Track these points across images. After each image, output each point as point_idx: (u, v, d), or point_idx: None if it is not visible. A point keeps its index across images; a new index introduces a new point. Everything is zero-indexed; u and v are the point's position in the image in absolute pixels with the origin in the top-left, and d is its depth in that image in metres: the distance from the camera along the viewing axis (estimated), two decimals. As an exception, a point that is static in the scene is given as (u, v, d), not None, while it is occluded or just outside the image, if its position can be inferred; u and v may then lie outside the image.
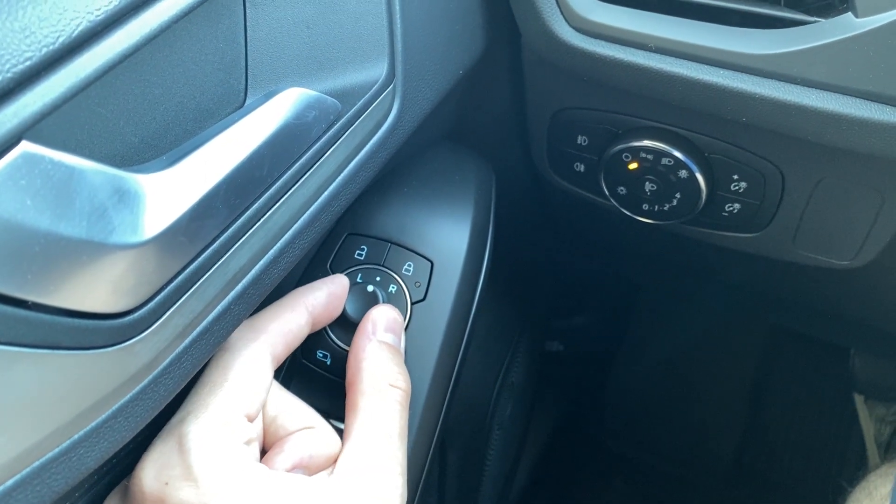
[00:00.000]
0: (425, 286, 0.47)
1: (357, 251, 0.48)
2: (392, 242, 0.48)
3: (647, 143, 0.51)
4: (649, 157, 0.52)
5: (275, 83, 0.35)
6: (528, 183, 0.63)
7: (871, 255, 0.51)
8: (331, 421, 0.42)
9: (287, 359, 0.47)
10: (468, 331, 0.49)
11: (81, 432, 0.27)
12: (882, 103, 0.41)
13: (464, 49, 0.47)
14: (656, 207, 0.54)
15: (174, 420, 0.37)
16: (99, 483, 0.37)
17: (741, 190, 0.52)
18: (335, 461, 0.39)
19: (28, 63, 0.23)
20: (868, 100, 0.41)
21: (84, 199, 0.25)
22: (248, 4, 0.35)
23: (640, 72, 0.46)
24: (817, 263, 0.55)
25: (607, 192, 0.55)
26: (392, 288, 0.47)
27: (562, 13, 0.46)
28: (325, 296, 0.43)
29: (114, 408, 0.28)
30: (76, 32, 0.24)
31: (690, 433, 1.10)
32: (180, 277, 0.29)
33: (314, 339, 0.46)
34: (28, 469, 0.25)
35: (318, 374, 0.46)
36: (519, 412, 0.87)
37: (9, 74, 0.23)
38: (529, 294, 0.90)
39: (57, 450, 0.26)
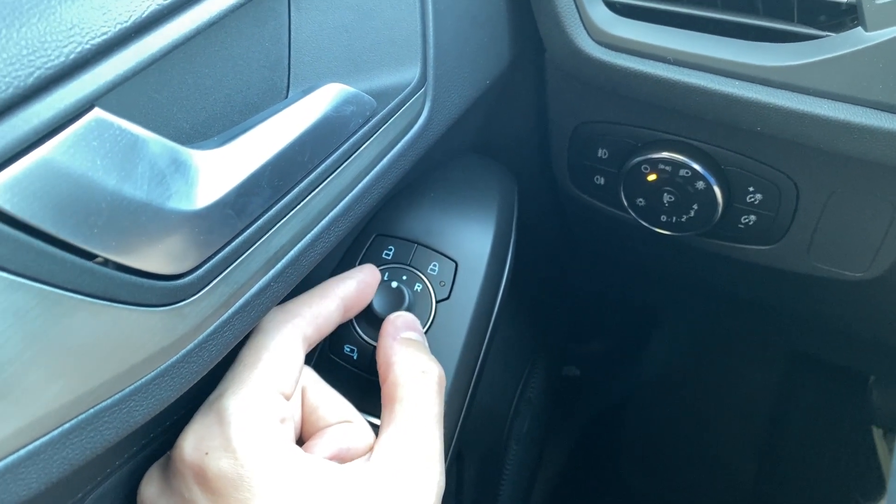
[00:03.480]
0: (449, 286, 0.49)
1: (385, 251, 0.50)
2: (418, 243, 0.50)
3: (665, 154, 0.53)
4: (667, 168, 0.54)
5: (315, 81, 0.38)
6: (549, 196, 0.65)
7: (884, 267, 0.53)
8: (362, 415, 0.44)
9: (315, 353, 0.49)
10: (490, 331, 0.51)
11: (132, 386, 0.28)
12: (891, 113, 0.42)
13: (491, 60, 0.50)
14: (674, 219, 0.56)
15: (213, 396, 0.38)
16: (140, 454, 0.39)
17: (757, 202, 0.53)
18: (371, 449, 0.40)
19: (104, 37, 0.26)
20: (878, 109, 0.43)
21: (146, 164, 0.27)
22: (292, 8, 0.38)
23: (659, 83, 0.48)
24: (832, 275, 0.56)
25: (626, 204, 0.57)
26: (418, 286, 0.49)
27: (585, 27, 0.49)
28: (356, 284, 0.45)
29: (162, 366, 0.29)
30: (146, 13, 0.27)
31: (706, 463, 1.10)
32: (227, 249, 0.31)
33: (341, 334, 0.48)
34: (84, 415, 0.27)
35: (345, 369, 0.48)
36: (536, 430, 0.87)
37: (87, 45, 0.25)
38: (547, 314, 0.91)
39: (109, 400, 0.28)
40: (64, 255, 0.25)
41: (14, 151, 0.23)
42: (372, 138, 0.39)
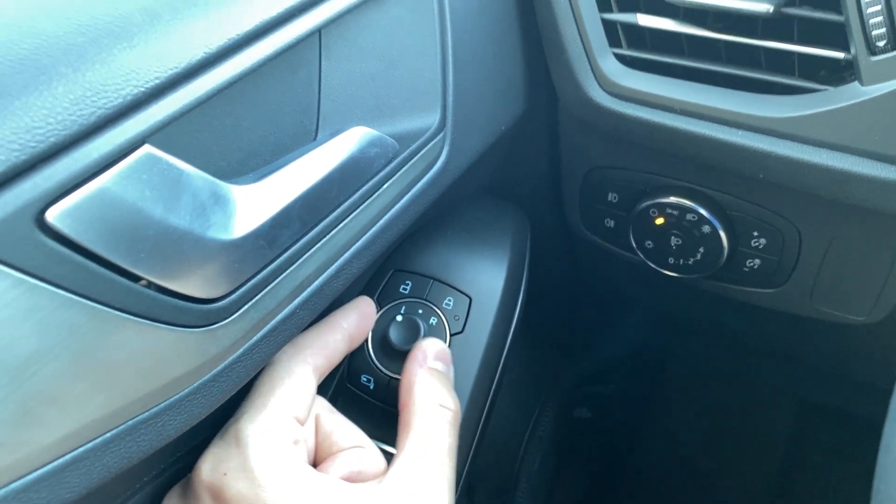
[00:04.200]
0: (464, 320, 0.51)
1: (402, 286, 0.52)
2: (434, 279, 0.52)
3: (672, 199, 0.56)
4: (675, 213, 0.56)
5: (342, 124, 0.41)
6: (561, 237, 0.68)
7: (886, 311, 0.54)
8: (375, 442, 0.45)
9: (334, 383, 0.51)
10: (502, 364, 0.52)
11: (168, 401, 0.31)
12: (886, 162, 0.45)
13: (507, 108, 0.53)
14: (681, 261, 0.58)
15: (230, 422, 0.40)
16: (159, 479, 0.41)
17: (761, 246, 0.55)
18: (383, 475, 0.42)
19: (156, 82, 0.28)
20: (873, 159, 0.45)
21: (189, 197, 0.30)
22: (323, 58, 0.41)
23: (667, 132, 0.51)
24: (835, 319, 0.57)
25: (635, 246, 0.59)
26: (433, 320, 0.51)
27: (596, 79, 0.51)
28: (357, 315, 0.48)
29: (196, 384, 0.32)
30: (193, 61, 0.30)
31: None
32: (258, 277, 0.33)
33: (359, 365, 0.50)
34: (123, 426, 0.29)
35: (362, 398, 0.50)
36: (547, 470, 0.88)
37: (142, 90, 0.28)
38: (558, 353, 0.93)
39: (146, 413, 0.30)
40: (113, 276, 0.27)
41: (75, 182, 0.26)
42: (393, 178, 0.41)
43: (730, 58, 0.49)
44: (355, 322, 0.48)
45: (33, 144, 0.25)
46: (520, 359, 0.79)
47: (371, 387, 0.50)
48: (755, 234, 0.55)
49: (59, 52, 0.26)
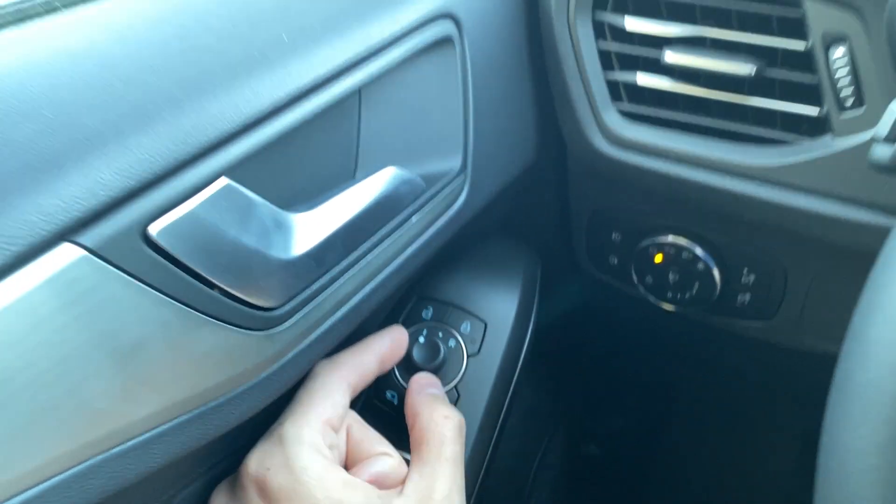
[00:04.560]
0: (479, 343, 0.56)
1: (424, 311, 0.58)
2: (454, 305, 0.58)
3: (670, 238, 0.62)
4: (672, 251, 0.62)
5: (377, 166, 0.47)
6: (570, 273, 0.73)
7: (867, 343, 0.59)
8: (399, 451, 0.51)
9: (361, 399, 0.56)
10: (513, 385, 0.58)
11: (234, 391, 0.37)
12: (856, 206, 0.50)
13: (520, 155, 0.59)
14: (678, 296, 0.63)
15: (275, 425, 0.46)
16: (210, 473, 0.46)
17: (750, 282, 0.61)
18: (403, 482, 0.47)
19: (233, 127, 0.35)
20: (845, 203, 0.51)
21: (256, 222, 0.36)
22: (362, 109, 0.48)
23: (664, 178, 0.57)
24: (824, 350, 0.62)
25: (637, 281, 0.65)
26: (452, 342, 0.56)
27: (600, 131, 0.58)
28: (389, 341, 0.53)
29: (256, 379, 0.38)
30: (262, 112, 0.37)
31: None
32: (308, 291, 0.39)
33: (385, 382, 0.55)
34: (197, 410, 0.35)
35: (386, 413, 0.55)
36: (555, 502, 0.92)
37: (222, 132, 0.34)
38: (567, 386, 0.97)
39: (214, 402, 0.36)
40: (196, 283, 0.33)
41: (170, 205, 0.32)
42: (420, 212, 0.48)
43: (720, 112, 0.55)
44: (388, 347, 0.53)
45: (141, 174, 0.31)
46: (531, 386, 0.84)
47: (395, 402, 0.55)
48: (745, 270, 0.60)
49: (162, 101, 0.33)
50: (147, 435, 0.33)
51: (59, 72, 0.31)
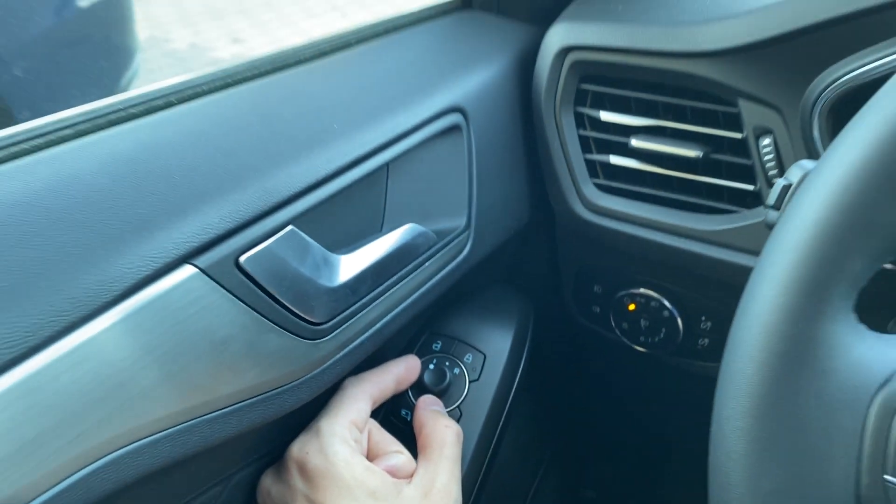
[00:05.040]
0: (479, 371, 0.68)
1: (435, 344, 0.70)
2: (459, 340, 0.70)
3: (641, 290, 0.74)
4: (643, 300, 0.74)
5: (399, 222, 0.60)
6: (560, 320, 0.86)
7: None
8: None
9: (381, 414, 0.68)
10: (508, 407, 0.69)
11: (288, 385, 0.49)
12: (782, 262, 0.63)
13: (515, 217, 0.72)
14: (649, 339, 0.75)
15: (312, 422, 0.58)
16: (260, 461, 0.58)
17: (708, 328, 0.73)
18: (412, 475, 0.59)
19: (295, 190, 0.49)
20: (774, 260, 0.63)
21: (311, 258, 0.49)
22: (389, 179, 0.61)
23: (632, 238, 0.70)
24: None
25: (614, 326, 0.77)
26: (456, 370, 0.68)
27: (580, 200, 0.71)
28: (404, 366, 0.65)
29: (304, 377, 0.50)
30: (316, 180, 0.50)
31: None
32: (344, 314, 0.52)
33: (400, 401, 0.67)
34: (261, 395, 0.48)
35: (400, 427, 0.67)
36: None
37: (289, 193, 0.48)
38: (560, 425, 1.08)
39: (272, 392, 0.48)
40: (268, 299, 0.46)
41: (254, 243, 0.46)
42: (432, 259, 0.61)
43: (677, 187, 0.69)
44: (403, 370, 0.66)
45: (237, 220, 0.45)
46: (524, 416, 0.94)
47: (408, 419, 0.67)
48: (703, 318, 0.72)
49: (250, 170, 0.47)
50: (228, 409, 0.45)
51: (189, 150, 0.45)
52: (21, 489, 0.35)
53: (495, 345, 0.70)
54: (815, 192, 0.38)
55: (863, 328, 0.39)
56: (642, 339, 0.76)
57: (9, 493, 0.35)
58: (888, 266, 0.61)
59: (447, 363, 0.69)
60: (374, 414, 0.63)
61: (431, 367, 0.68)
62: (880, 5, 0.54)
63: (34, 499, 0.36)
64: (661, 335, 0.74)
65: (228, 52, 4.23)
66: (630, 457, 1.22)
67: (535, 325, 0.76)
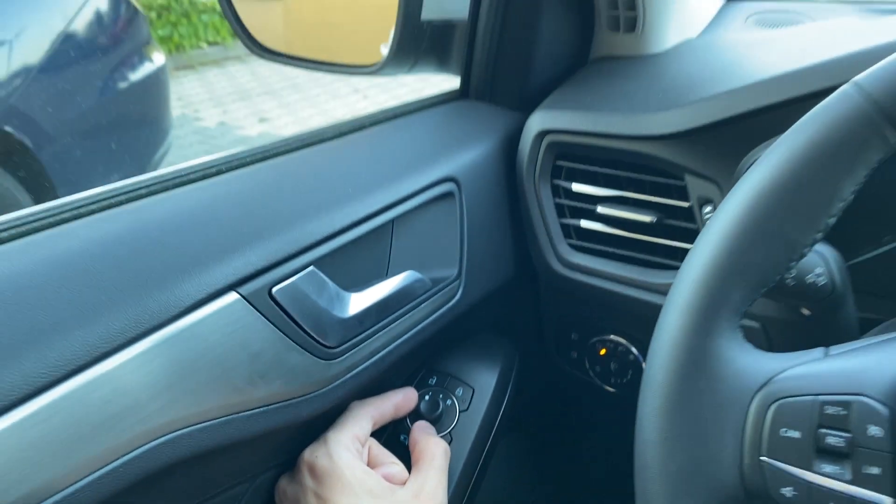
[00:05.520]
0: (468, 402, 0.80)
1: (430, 379, 0.82)
2: (451, 376, 0.81)
3: (611, 336, 0.86)
4: (612, 346, 0.85)
5: (401, 270, 0.73)
6: (544, 365, 0.97)
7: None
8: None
9: (383, 439, 0.79)
10: (493, 434, 0.80)
11: (305, 396, 0.61)
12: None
13: (501, 271, 0.85)
14: (618, 381, 0.86)
15: (322, 434, 0.69)
16: (280, 467, 0.69)
17: (669, 370, 0.84)
18: (405, 483, 0.70)
19: (315, 239, 0.62)
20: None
21: (327, 293, 0.62)
22: (393, 235, 0.74)
23: (600, 290, 0.82)
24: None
25: (588, 369, 0.88)
26: (449, 401, 0.80)
27: (556, 257, 0.84)
28: (402, 395, 0.77)
29: (318, 391, 0.62)
30: (332, 231, 0.63)
31: None
32: (352, 340, 0.64)
33: (399, 428, 0.78)
34: (284, 402, 0.59)
35: (399, 451, 0.78)
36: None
37: (312, 241, 0.61)
38: (545, 461, 1.17)
39: (294, 400, 0.60)
40: (292, 323, 0.59)
41: (284, 278, 0.58)
42: (427, 302, 0.73)
43: (637, 247, 0.81)
44: (401, 399, 0.77)
45: (271, 260, 0.57)
46: (513, 451, 1.04)
47: (406, 444, 0.78)
48: (664, 361, 0.83)
49: (283, 223, 0.60)
50: (258, 410, 0.57)
51: (236, 206, 0.59)
52: (108, 449, 0.48)
53: (483, 381, 0.81)
54: (705, 240, 0.50)
55: (748, 345, 0.50)
56: (612, 380, 0.87)
57: (102, 449, 0.47)
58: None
59: (441, 395, 0.80)
60: (378, 438, 0.74)
61: (427, 398, 0.79)
62: (790, 100, 0.67)
63: (114, 460, 0.48)
64: (628, 377, 0.85)
65: (255, 130, 4.48)
66: (613, 488, 1.30)
67: (522, 368, 0.87)
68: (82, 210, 0.56)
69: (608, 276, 0.81)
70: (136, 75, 2.61)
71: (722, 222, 0.50)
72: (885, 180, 0.70)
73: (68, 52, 2.43)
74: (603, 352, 0.86)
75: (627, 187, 0.80)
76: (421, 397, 0.79)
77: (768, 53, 0.77)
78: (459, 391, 0.81)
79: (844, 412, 0.45)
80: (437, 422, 0.79)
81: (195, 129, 4.51)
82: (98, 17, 2.53)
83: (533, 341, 0.96)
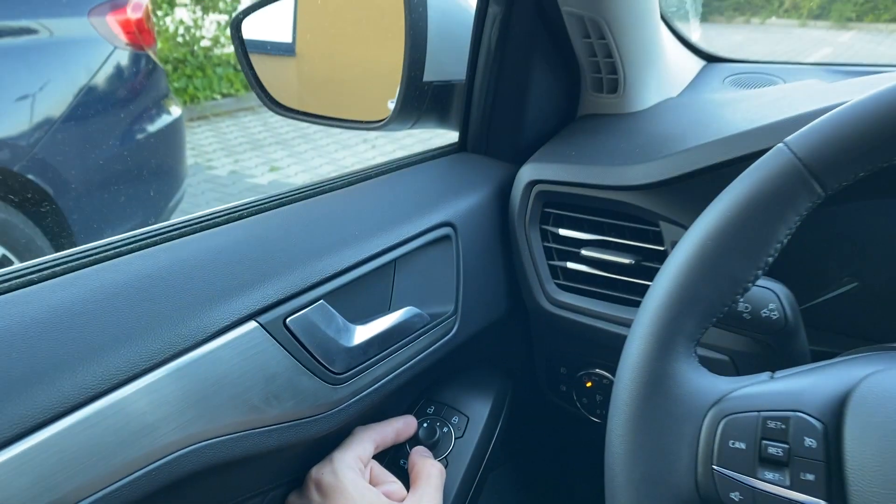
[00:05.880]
0: (463, 430, 0.86)
1: (429, 408, 0.88)
2: (448, 405, 0.88)
3: (596, 370, 0.92)
4: (597, 378, 0.92)
5: (402, 305, 0.80)
6: (536, 398, 1.03)
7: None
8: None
9: (385, 463, 0.86)
10: (486, 460, 0.86)
11: (314, 417, 0.68)
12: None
13: (494, 308, 0.92)
14: (603, 412, 0.93)
15: (328, 455, 0.76)
16: (290, 484, 0.76)
17: (650, 401, 0.90)
18: (403, 500, 0.76)
19: (326, 275, 0.69)
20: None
21: (335, 325, 0.69)
22: (395, 274, 0.82)
23: (585, 326, 0.89)
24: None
25: (576, 400, 0.94)
26: (445, 429, 0.86)
27: (545, 296, 0.91)
28: (402, 422, 0.84)
29: (326, 413, 0.69)
30: (340, 269, 0.71)
31: None
32: (356, 368, 0.72)
33: (399, 453, 0.85)
34: (293, 422, 0.66)
35: (399, 473, 0.84)
36: None
37: (322, 277, 0.69)
38: (539, 489, 1.22)
39: (303, 420, 0.67)
40: (304, 350, 0.66)
41: (297, 311, 0.66)
42: (425, 335, 0.80)
43: (618, 287, 0.88)
44: (401, 425, 0.84)
45: (286, 294, 0.65)
46: (501, 476, 1.10)
47: (405, 467, 0.85)
48: (645, 393, 0.90)
49: (296, 261, 0.68)
50: (272, 427, 0.64)
51: (256, 247, 0.67)
52: (142, 456, 0.55)
53: (477, 410, 0.88)
54: (662, 276, 0.58)
55: (702, 368, 0.57)
56: (598, 411, 0.93)
57: (136, 456, 0.54)
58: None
59: (438, 423, 0.87)
60: (380, 461, 0.81)
61: (425, 425, 0.86)
62: (743, 156, 0.75)
63: (146, 465, 0.55)
64: (613, 408, 0.92)
65: (265, 179, 4.60)
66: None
67: (515, 400, 0.94)
68: (122, 249, 0.64)
69: (592, 314, 0.89)
70: (155, 126, 2.74)
71: (676, 261, 0.58)
72: (838, 230, 0.77)
73: (91, 103, 2.56)
74: (589, 384, 0.93)
75: (609, 232, 0.88)
76: (420, 424, 0.86)
77: (734, 113, 0.86)
78: (455, 419, 0.87)
79: (783, 426, 0.52)
80: (435, 447, 0.85)
81: (207, 177, 4.65)
82: (119, 70, 2.67)
83: (525, 374, 1.03)
